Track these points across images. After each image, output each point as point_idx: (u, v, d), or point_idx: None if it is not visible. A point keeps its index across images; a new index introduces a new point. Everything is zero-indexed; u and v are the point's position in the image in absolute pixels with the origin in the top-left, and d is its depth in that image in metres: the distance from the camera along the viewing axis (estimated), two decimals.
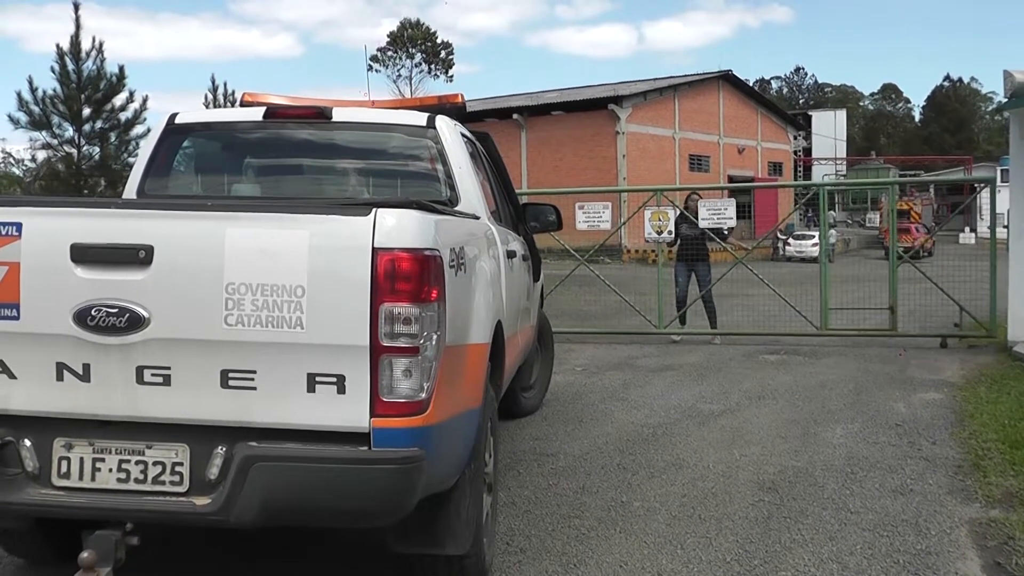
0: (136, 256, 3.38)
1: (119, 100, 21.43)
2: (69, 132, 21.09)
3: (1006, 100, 11.48)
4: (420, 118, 5.54)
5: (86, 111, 21.03)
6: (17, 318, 3.46)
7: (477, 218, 5.19)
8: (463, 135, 5.79)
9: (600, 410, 8.29)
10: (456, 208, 5.16)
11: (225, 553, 4.94)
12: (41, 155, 22.35)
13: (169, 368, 3.41)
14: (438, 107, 6.04)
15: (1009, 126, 11.87)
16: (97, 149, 21.72)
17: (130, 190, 5.50)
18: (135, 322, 3.37)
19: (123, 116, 21.62)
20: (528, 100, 50.87)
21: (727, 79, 55.66)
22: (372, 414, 3.33)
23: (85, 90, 20.79)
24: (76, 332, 3.40)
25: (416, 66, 51.87)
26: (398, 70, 51.49)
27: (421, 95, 6.79)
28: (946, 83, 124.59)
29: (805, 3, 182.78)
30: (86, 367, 3.44)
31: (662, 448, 6.97)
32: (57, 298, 3.42)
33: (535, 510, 5.51)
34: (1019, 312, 11.65)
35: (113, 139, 21.80)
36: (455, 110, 6.11)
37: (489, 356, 4.41)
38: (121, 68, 21.46)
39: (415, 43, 51.67)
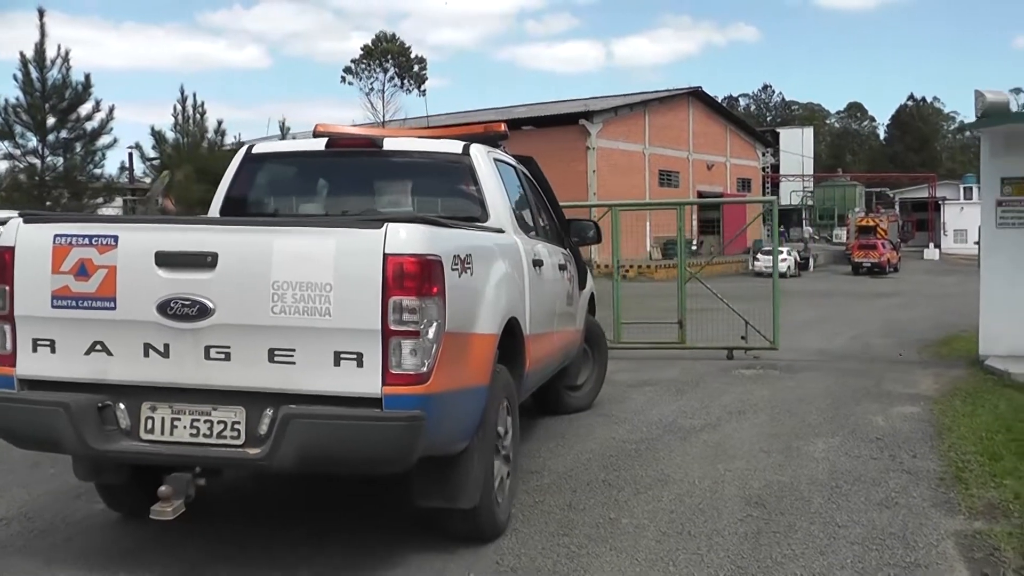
0: (205, 260, 4.35)
1: (85, 109, 21.06)
2: (33, 142, 20.64)
3: (977, 119, 11.61)
4: (457, 146, 6.36)
5: (51, 120, 20.64)
6: (114, 308, 4.45)
7: (502, 232, 6.00)
8: (500, 159, 6.67)
9: (581, 425, 8.26)
10: (485, 223, 5.99)
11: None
12: (3, 166, 21.74)
13: (229, 347, 4.37)
14: (484, 134, 6.95)
15: (980, 145, 11.99)
16: (62, 160, 21.32)
17: (214, 209, 6.47)
18: (204, 311, 4.34)
19: (89, 126, 21.26)
20: (498, 115, 50.94)
21: (697, 95, 56.03)
22: (384, 383, 4.22)
23: (50, 99, 20.42)
24: (158, 319, 4.38)
25: (389, 80, 51.72)
26: (371, 83, 51.30)
27: (470, 123, 7.76)
28: (910, 102, 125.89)
29: (771, 22, 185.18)
30: (166, 346, 4.41)
31: (647, 464, 6.96)
32: (144, 293, 4.40)
33: (523, 528, 5.47)
34: (990, 327, 11.76)
35: (79, 149, 21.39)
36: (498, 136, 7.05)
37: (505, 346, 5.32)
38: (87, 77, 21.04)
39: (389, 57, 51.55)
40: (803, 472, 6.73)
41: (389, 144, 6.53)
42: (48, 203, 20.50)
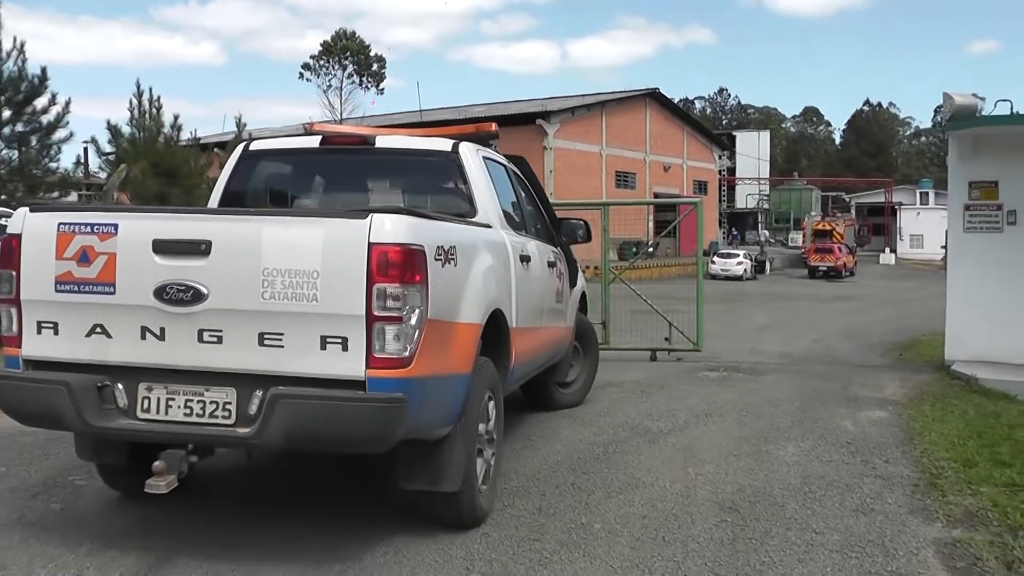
0: (199, 248, 4.54)
1: (41, 103, 20.59)
2: None
3: (945, 122, 11.55)
4: (447, 144, 6.52)
5: (6, 113, 20.19)
6: (113, 293, 4.67)
7: (489, 227, 6.18)
8: (489, 158, 6.83)
9: (547, 427, 8.07)
10: (473, 219, 6.13)
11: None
12: None
13: (221, 331, 4.55)
14: (475, 134, 7.14)
15: (948, 148, 11.95)
16: (16, 153, 20.88)
17: (212, 203, 6.66)
18: (198, 296, 4.53)
19: (45, 119, 20.84)
20: (455, 114, 50.69)
21: (654, 97, 56.09)
22: (367, 366, 4.41)
23: (5, 92, 19.99)
24: (155, 304, 4.58)
25: (348, 77, 51.27)
26: (329, 80, 50.81)
27: (462, 125, 7.70)
28: (866, 107, 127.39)
29: (727, 26, 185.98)
30: (162, 329, 4.62)
31: (615, 467, 6.77)
32: (142, 279, 4.61)
33: (493, 533, 5.27)
34: (956, 332, 11.73)
35: (34, 143, 21.00)
36: (489, 136, 7.26)
37: (490, 338, 5.54)
38: (43, 70, 20.59)
39: (348, 54, 51.06)
40: (775, 476, 6.58)
41: (381, 142, 6.70)
42: (3, 196, 20.00)
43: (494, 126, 7.37)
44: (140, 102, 28.12)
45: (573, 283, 8.57)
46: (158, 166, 26.65)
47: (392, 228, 4.42)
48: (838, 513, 5.74)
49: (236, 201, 6.58)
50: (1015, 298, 11.26)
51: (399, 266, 4.40)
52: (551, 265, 7.67)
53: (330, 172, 7.01)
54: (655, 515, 5.65)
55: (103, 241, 4.69)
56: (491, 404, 5.64)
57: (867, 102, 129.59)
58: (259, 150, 6.88)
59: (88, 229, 4.72)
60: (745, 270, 46.84)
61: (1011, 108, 11.16)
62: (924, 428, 8.23)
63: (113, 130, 28.28)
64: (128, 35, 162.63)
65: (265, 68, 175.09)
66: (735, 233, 69.83)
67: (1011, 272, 11.35)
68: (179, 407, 4.64)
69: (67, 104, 21.27)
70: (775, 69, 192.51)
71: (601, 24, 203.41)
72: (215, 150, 34.29)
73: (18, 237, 4.84)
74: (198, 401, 4.62)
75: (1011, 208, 11.45)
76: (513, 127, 44.54)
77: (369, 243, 4.37)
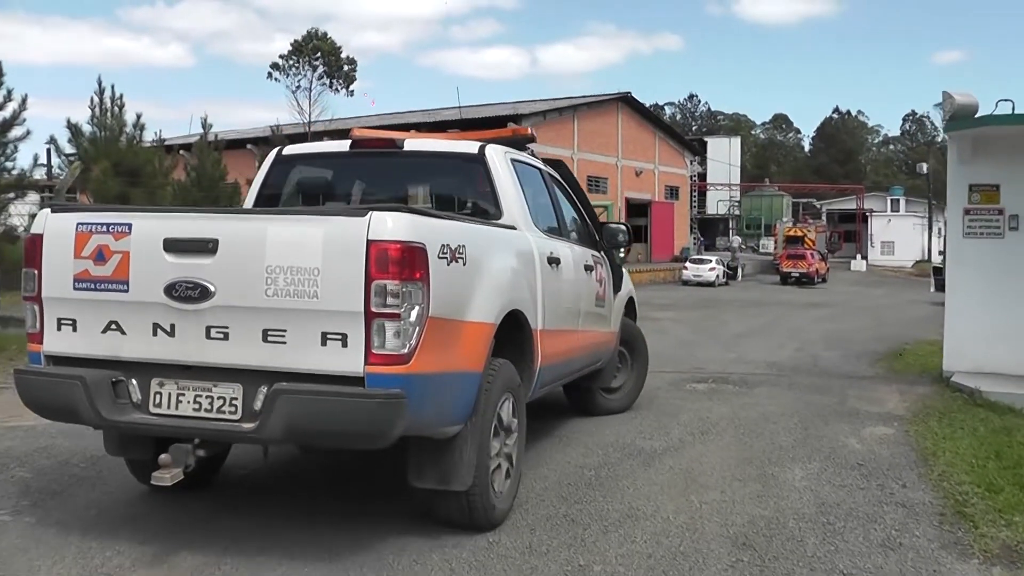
0: (206, 246, 4.62)
1: None
2: None
3: (945, 123, 10.98)
4: (473, 147, 6.60)
5: None
6: (127, 291, 4.78)
7: (513, 228, 6.20)
8: (519, 160, 6.88)
9: (531, 448, 7.31)
10: (498, 220, 6.21)
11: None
12: None
13: (228, 327, 4.62)
14: (511, 137, 7.34)
15: (947, 150, 11.42)
16: None
17: (247, 205, 6.87)
18: (205, 294, 4.61)
19: (0, 116, 20.08)
20: (425, 117, 50.03)
21: (626, 101, 55.63)
22: (366, 362, 4.41)
23: None
24: (165, 301, 4.67)
25: (319, 78, 50.31)
26: (298, 81, 49.80)
27: (497, 129, 8.32)
28: (835, 115, 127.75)
29: (696, 33, 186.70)
30: (172, 326, 4.71)
31: (610, 495, 6.12)
32: (153, 276, 4.70)
33: None
34: (955, 342, 11.18)
35: None
36: (525, 139, 7.47)
37: (512, 340, 5.66)
38: None
39: (319, 55, 50.10)
40: (787, 504, 5.96)
41: (409, 145, 6.82)
42: None
43: (530, 130, 7.67)
44: (101, 100, 27.27)
45: (618, 288, 8.66)
46: (120, 166, 25.84)
47: (393, 226, 4.43)
48: (864, 550, 5.13)
49: (269, 204, 6.78)
50: (1017, 307, 10.73)
51: (398, 263, 4.39)
52: (589, 268, 7.70)
53: (359, 174, 7.07)
54: (661, 553, 5.01)
55: (117, 240, 4.80)
56: (510, 405, 5.61)
57: (836, 110, 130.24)
58: (291, 154, 7.07)
59: (104, 228, 4.84)
60: (717, 276, 46.49)
61: (1012, 108, 10.63)
62: (935, 447, 7.64)
63: (73, 129, 27.43)
64: (96, 36, 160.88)
65: (233, 71, 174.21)
66: (702, 239, 69.30)
67: (1013, 280, 10.83)
68: (189, 402, 4.72)
69: (23, 100, 20.31)
70: (745, 76, 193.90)
71: (570, 30, 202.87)
72: (180, 152, 33.53)
73: (40, 237, 4.99)
74: (207, 396, 4.70)
75: (1013, 213, 10.93)
76: (483, 131, 43.92)
77: (368, 240, 4.38)
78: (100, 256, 4.82)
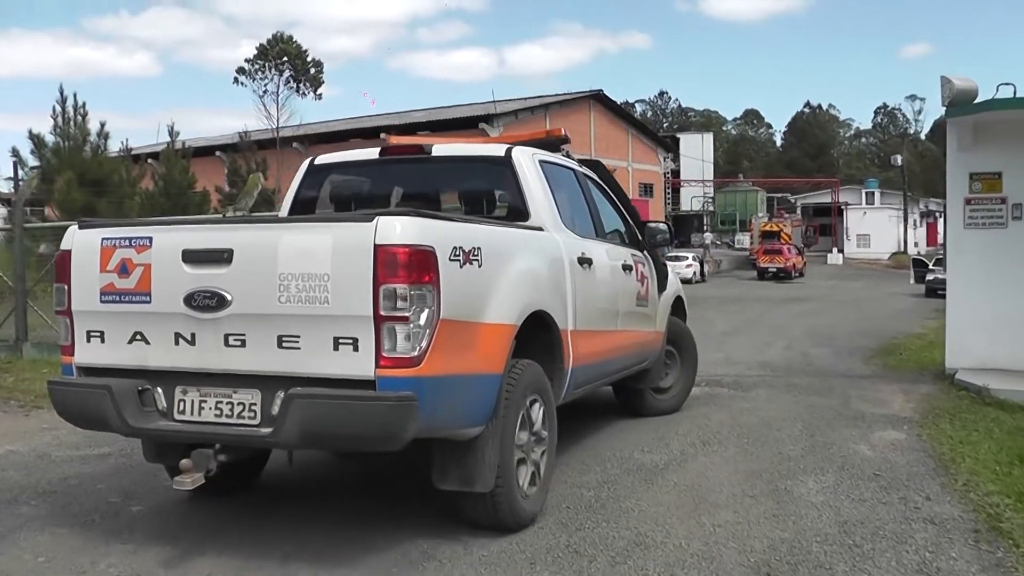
0: (222, 256, 4.71)
1: None
2: None
3: (946, 109, 10.52)
4: (500, 150, 6.64)
5: None
6: (149, 302, 4.90)
7: (540, 229, 6.21)
8: (548, 162, 6.86)
9: None
10: (525, 222, 6.23)
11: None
12: None
13: (244, 334, 4.70)
14: (546, 138, 7.47)
15: (947, 137, 10.96)
16: None
17: (283, 214, 6.96)
18: (222, 302, 4.70)
19: None
20: (397, 119, 49.45)
21: (598, 99, 55.17)
22: (377, 366, 4.43)
23: None
24: (185, 311, 4.78)
25: (285, 83, 49.63)
26: (265, 85, 49.09)
27: (531, 130, 7.95)
28: (806, 109, 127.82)
29: (663, 30, 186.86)
30: (193, 335, 4.81)
31: (614, 519, 5.59)
32: (173, 287, 4.81)
33: None
34: (957, 337, 10.77)
35: None
36: (559, 140, 7.47)
37: (539, 341, 5.71)
38: None
39: (285, 59, 49.40)
40: (807, 524, 5.45)
41: (437, 150, 6.80)
42: None
43: (563, 131, 7.62)
44: (64, 109, 26.62)
45: (663, 287, 8.62)
46: (85, 176, 25.14)
47: (401, 230, 4.46)
48: None
49: (304, 212, 6.92)
50: (1022, 300, 10.28)
51: (406, 267, 4.42)
52: (627, 268, 7.69)
53: (390, 180, 7.12)
54: None
55: (139, 253, 4.94)
56: (537, 406, 5.61)
57: (807, 104, 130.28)
58: (324, 164, 7.17)
59: (127, 243, 4.98)
60: (695, 272, 46.14)
61: (1014, 92, 10.19)
62: (953, 453, 7.18)
63: (35, 140, 26.72)
64: (59, 47, 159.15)
65: (200, 79, 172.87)
66: (677, 239, 68.78)
67: (1018, 271, 10.45)
68: (211, 408, 4.82)
69: None
70: (714, 72, 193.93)
71: (536, 30, 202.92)
72: (148, 161, 32.84)
73: (68, 253, 5.17)
74: (227, 402, 4.78)
75: (1016, 202, 10.56)
76: (454, 131, 43.35)
77: (375, 245, 4.41)
78: (124, 269, 4.98)
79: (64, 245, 5.22)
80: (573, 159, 7.60)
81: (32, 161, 26.80)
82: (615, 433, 8.04)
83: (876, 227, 71.23)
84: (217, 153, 38.92)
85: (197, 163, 29.69)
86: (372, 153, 7.04)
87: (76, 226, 5.26)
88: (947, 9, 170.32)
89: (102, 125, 26.90)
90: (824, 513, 5.67)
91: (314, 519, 5.65)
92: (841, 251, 68.43)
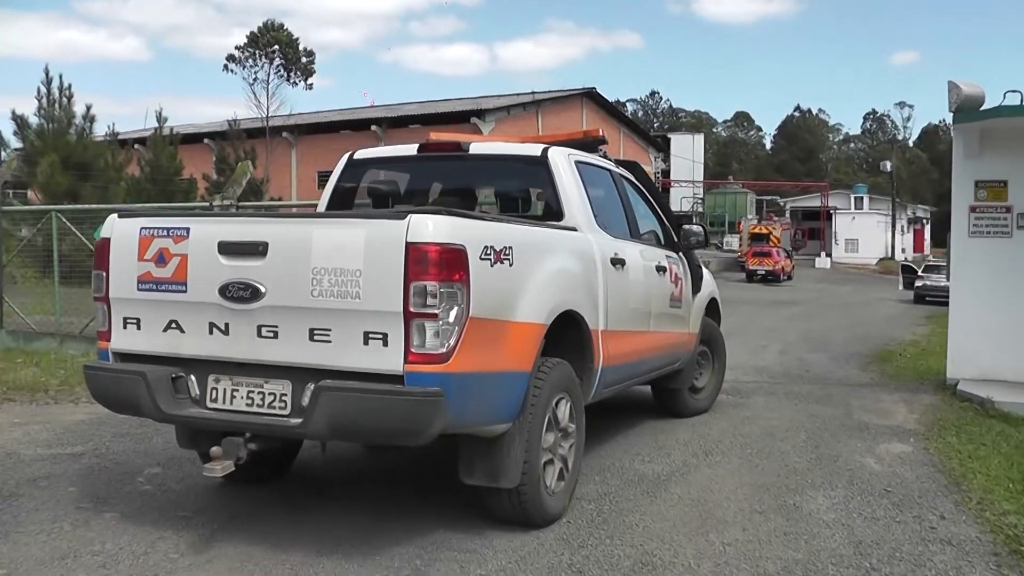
0: (257, 249, 4.81)
1: None
2: None
3: (953, 115, 10.29)
4: (536, 150, 6.67)
5: None
6: (185, 292, 5.02)
7: (573, 230, 6.25)
8: (584, 162, 6.87)
9: None
10: (559, 222, 6.29)
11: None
12: None
13: (277, 326, 4.80)
14: (583, 138, 7.48)
15: (952, 143, 10.74)
16: None
17: (320, 207, 7.16)
18: (256, 294, 4.80)
19: None
20: (387, 112, 49.07)
21: (591, 96, 54.94)
22: (405, 361, 4.50)
23: None
24: (220, 301, 4.89)
25: (275, 71, 49.22)
26: (255, 73, 48.67)
27: (568, 131, 8.00)
28: (796, 113, 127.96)
29: (656, 31, 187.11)
30: (227, 325, 4.92)
31: (617, 535, 5.33)
32: (209, 278, 4.93)
33: None
34: (959, 347, 10.58)
35: None
36: (597, 141, 7.50)
37: (569, 340, 5.77)
38: None
39: (276, 47, 48.97)
40: (820, 544, 5.21)
41: (475, 148, 6.89)
42: None
43: (601, 131, 7.64)
44: (49, 91, 26.23)
45: (697, 289, 8.68)
46: (69, 160, 24.77)
47: (432, 228, 4.50)
48: None
49: (342, 206, 7.00)
50: None
51: (437, 264, 4.47)
52: (661, 269, 7.72)
53: (427, 177, 7.32)
54: None
55: (177, 244, 5.04)
56: (564, 404, 5.63)
57: (797, 108, 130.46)
58: (362, 159, 7.25)
59: (165, 232, 5.09)
60: None
61: (1021, 99, 9.97)
62: (963, 468, 6.96)
63: (19, 121, 26.31)
64: (48, 29, 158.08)
65: (190, 65, 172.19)
66: None
67: (1022, 281, 10.16)
68: (242, 397, 4.92)
69: None
70: (706, 74, 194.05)
71: (530, 27, 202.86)
72: (135, 146, 32.43)
73: (108, 241, 5.29)
74: (258, 392, 4.88)
75: (1022, 211, 10.31)
76: (446, 125, 42.96)
77: (407, 243, 4.46)
78: (161, 259, 5.07)
79: (103, 233, 5.34)
80: (610, 160, 7.62)
81: (15, 143, 26.44)
82: (611, 440, 7.77)
83: (864, 232, 71.04)
84: (205, 140, 38.54)
85: (185, 150, 29.35)
86: (410, 149, 7.09)
87: (115, 215, 5.38)
88: (937, 18, 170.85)
89: (88, 108, 26.56)
90: (837, 532, 5.43)
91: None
92: (829, 255, 68.24)
